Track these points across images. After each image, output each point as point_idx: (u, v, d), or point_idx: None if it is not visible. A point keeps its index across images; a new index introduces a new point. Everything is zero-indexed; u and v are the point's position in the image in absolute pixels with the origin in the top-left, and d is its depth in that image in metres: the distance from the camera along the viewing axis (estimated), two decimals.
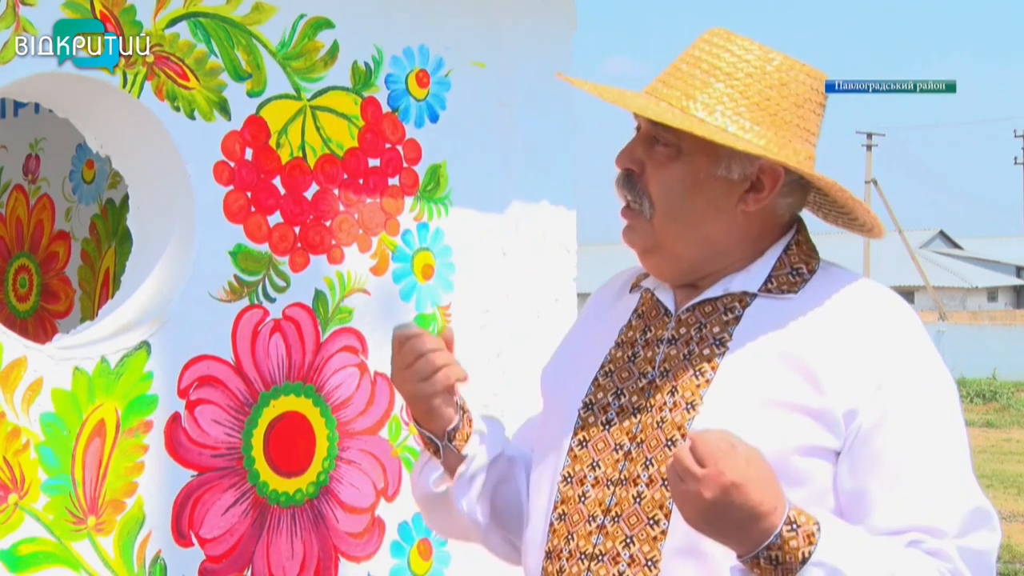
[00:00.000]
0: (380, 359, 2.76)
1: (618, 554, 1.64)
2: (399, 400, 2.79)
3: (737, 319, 1.68)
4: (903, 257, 33.96)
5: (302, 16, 2.62)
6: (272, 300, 2.58)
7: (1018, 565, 8.01)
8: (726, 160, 1.67)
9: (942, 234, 53.68)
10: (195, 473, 2.45)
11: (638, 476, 1.65)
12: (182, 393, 2.44)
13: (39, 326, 4.10)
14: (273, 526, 2.57)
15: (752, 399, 1.61)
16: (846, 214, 1.79)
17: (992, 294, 47.98)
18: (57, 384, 2.28)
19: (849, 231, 1.85)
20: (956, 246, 53.34)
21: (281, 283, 2.59)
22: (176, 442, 2.42)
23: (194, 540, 2.45)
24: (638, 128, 1.74)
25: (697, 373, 1.66)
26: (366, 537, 2.73)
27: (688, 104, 1.66)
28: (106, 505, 2.33)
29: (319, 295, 2.65)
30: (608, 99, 1.70)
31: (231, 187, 2.51)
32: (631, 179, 1.71)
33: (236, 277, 2.53)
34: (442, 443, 1.81)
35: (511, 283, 3.03)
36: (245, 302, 2.54)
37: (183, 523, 2.43)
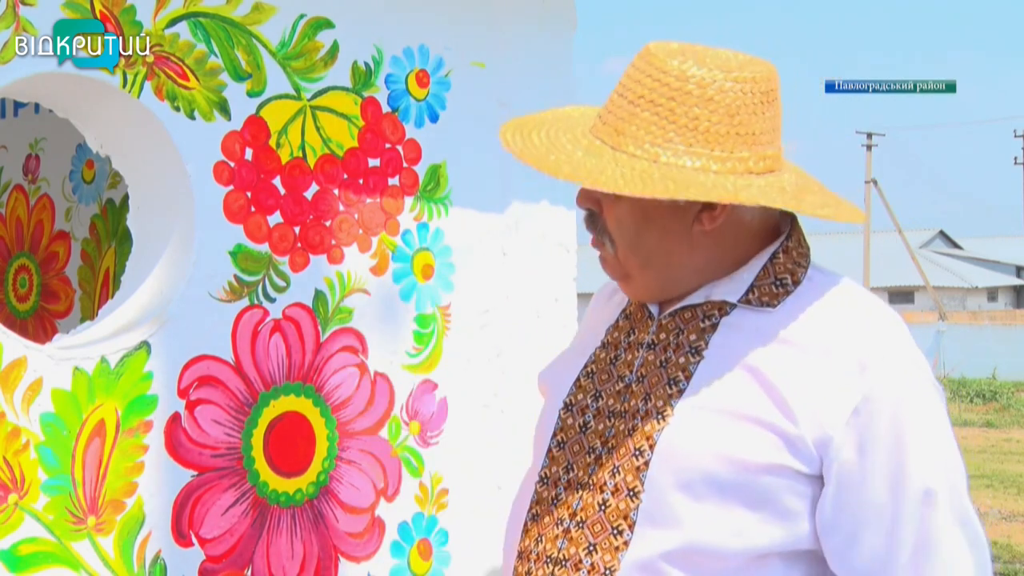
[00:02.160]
0: (380, 359, 2.76)
1: (580, 560, 1.62)
2: (399, 400, 2.79)
3: (714, 327, 1.66)
4: (903, 257, 33.97)
5: (302, 16, 2.62)
6: (272, 300, 2.58)
7: (1018, 565, 8.01)
8: None
9: (942, 234, 53.68)
10: (195, 473, 2.45)
11: (604, 483, 1.63)
12: (182, 393, 2.44)
13: (39, 326, 4.10)
14: (273, 526, 2.57)
15: (722, 412, 1.59)
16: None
17: (992, 294, 47.97)
18: (57, 384, 2.27)
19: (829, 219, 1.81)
20: (956, 246, 53.34)
21: (281, 283, 2.59)
22: (176, 442, 2.42)
23: (194, 540, 2.45)
24: None
25: (671, 382, 1.64)
26: (366, 537, 2.73)
27: (620, 140, 1.63)
28: (106, 505, 2.33)
29: (319, 295, 2.65)
30: (546, 170, 1.65)
31: (231, 187, 2.51)
32: (594, 217, 1.72)
33: (236, 277, 2.52)
34: None
35: (511, 283, 3.03)
36: (245, 302, 2.54)
37: (183, 523, 2.43)
